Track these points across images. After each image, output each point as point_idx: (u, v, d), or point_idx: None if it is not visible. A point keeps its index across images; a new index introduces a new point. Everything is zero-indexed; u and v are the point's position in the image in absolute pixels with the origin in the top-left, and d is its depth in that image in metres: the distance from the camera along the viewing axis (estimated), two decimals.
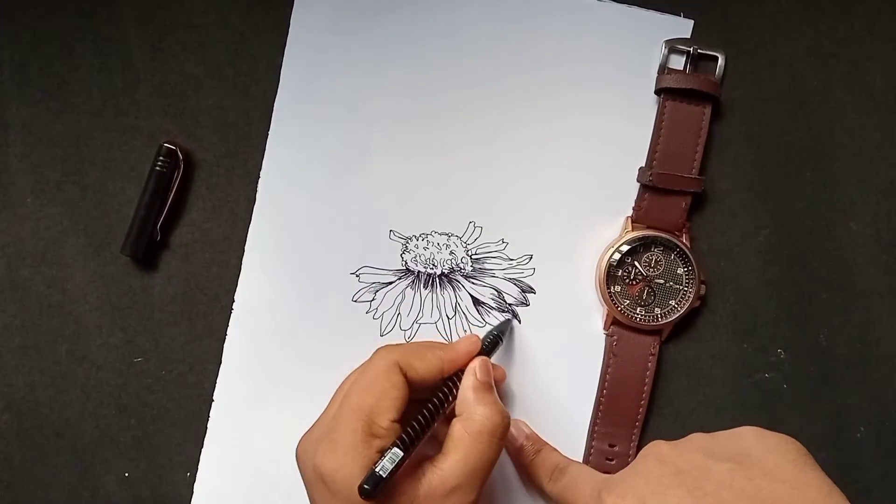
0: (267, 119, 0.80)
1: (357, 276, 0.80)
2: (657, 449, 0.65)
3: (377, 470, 0.62)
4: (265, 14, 0.81)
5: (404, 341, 0.79)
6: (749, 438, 0.63)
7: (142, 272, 0.81)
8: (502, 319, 0.80)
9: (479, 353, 0.73)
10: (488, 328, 0.79)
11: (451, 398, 0.70)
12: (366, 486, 0.61)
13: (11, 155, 0.80)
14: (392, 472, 0.62)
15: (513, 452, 0.79)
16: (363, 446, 0.64)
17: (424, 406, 0.68)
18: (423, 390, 0.70)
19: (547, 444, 0.78)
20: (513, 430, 0.78)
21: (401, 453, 0.63)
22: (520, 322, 0.80)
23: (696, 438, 0.65)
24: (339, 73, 0.80)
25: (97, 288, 0.81)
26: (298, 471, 0.70)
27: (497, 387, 0.74)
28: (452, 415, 0.70)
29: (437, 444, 0.69)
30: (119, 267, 0.81)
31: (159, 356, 0.81)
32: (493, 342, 0.76)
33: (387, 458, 0.62)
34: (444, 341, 0.79)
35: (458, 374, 0.72)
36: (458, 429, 0.67)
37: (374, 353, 0.71)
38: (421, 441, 0.66)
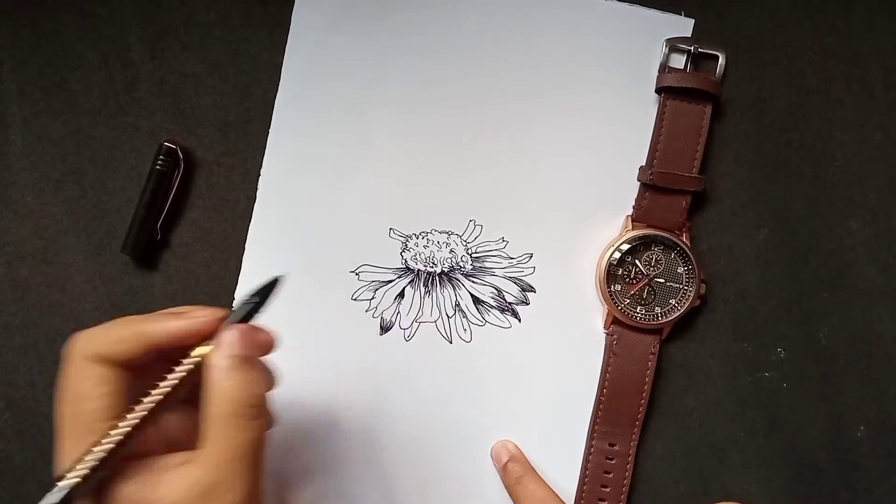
0: (267, 118, 0.80)
1: (357, 274, 0.80)
2: None
3: (57, 490, 0.54)
4: (265, 13, 0.81)
5: (402, 340, 0.74)
6: None
7: (142, 271, 0.81)
8: (268, 279, 0.64)
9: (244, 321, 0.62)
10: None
11: (179, 382, 0.59)
12: None
13: (11, 154, 0.80)
14: (77, 489, 0.54)
15: (499, 471, 0.79)
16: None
17: (135, 403, 0.58)
18: (144, 362, 0.60)
19: (532, 470, 0.78)
20: (501, 447, 0.79)
21: (68, 483, 0.54)
22: (520, 321, 0.80)
23: None
24: (339, 72, 0.80)
25: (97, 287, 0.81)
26: None
27: (269, 352, 0.64)
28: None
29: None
30: (119, 266, 0.81)
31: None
32: (253, 308, 0.62)
33: (55, 489, 0.54)
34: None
35: (189, 353, 0.60)
36: (205, 416, 0.58)
37: (64, 351, 0.60)
38: (126, 447, 0.56)
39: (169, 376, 0.59)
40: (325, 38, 0.80)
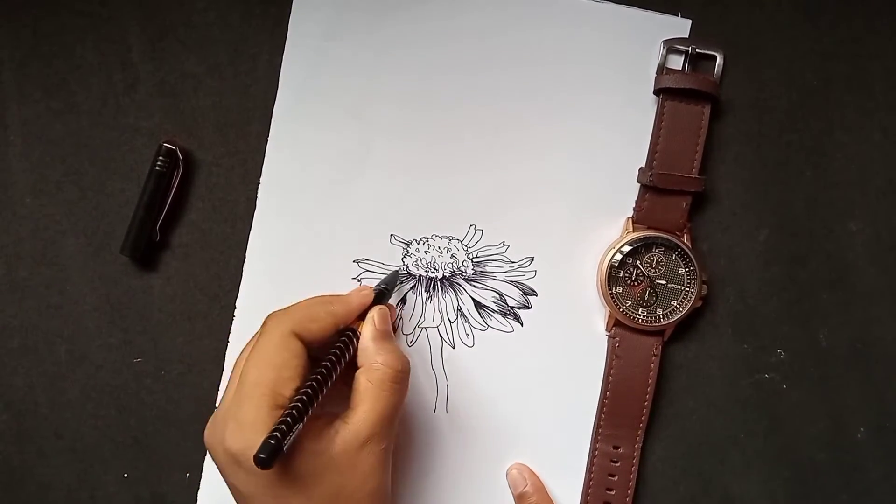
0: (267, 119, 0.80)
1: (359, 281, 0.80)
2: None
3: (269, 438, 0.59)
4: (265, 13, 0.80)
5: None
6: None
7: (141, 272, 0.81)
8: (390, 272, 0.80)
9: (373, 303, 0.74)
10: (381, 282, 0.79)
11: (348, 353, 0.69)
12: (261, 455, 0.58)
13: (11, 155, 0.80)
14: (287, 436, 0.60)
15: (515, 497, 0.80)
16: (270, 421, 0.62)
17: (320, 365, 0.67)
18: (322, 346, 0.70)
19: (550, 499, 0.79)
20: (517, 474, 0.80)
21: (295, 417, 0.62)
22: (522, 325, 0.80)
23: None
24: (338, 76, 0.80)
25: (96, 288, 0.80)
26: (210, 457, 0.68)
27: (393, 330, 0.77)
28: (355, 364, 0.70)
29: (346, 396, 0.69)
30: (118, 267, 0.81)
31: (158, 356, 0.81)
32: (382, 293, 0.76)
33: (281, 424, 0.60)
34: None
35: (350, 327, 0.72)
36: (362, 380, 0.68)
37: (265, 322, 0.70)
38: (318, 400, 0.64)
39: (336, 349, 0.69)
40: (324, 40, 0.80)
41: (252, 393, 0.64)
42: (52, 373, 0.81)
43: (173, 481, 0.81)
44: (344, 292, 0.75)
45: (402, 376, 0.69)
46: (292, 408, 0.62)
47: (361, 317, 0.73)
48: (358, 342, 0.71)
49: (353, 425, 0.66)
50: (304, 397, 0.63)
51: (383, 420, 0.67)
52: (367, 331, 0.71)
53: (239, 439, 0.63)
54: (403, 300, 0.80)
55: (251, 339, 0.71)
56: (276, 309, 0.71)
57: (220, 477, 0.67)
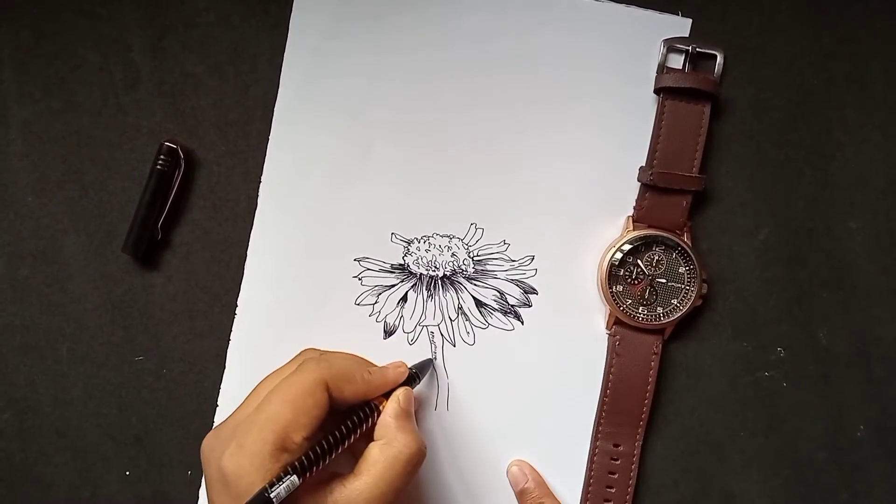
0: (267, 118, 0.80)
1: (359, 279, 0.80)
2: None
3: (264, 491, 0.61)
4: (265, 13, 0.80)
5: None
6: None
7: (143, 271, 0.81)
8: (425, 359, 0.80)
9: (404, 383, 0.74)
10: (413, 361, 0.79)
11: (364, 425, 0.69)
12: None
13: (12, 154, 0.80)
14: (280, 489, 0.61)
15: (516, 494, 0.80)
16: (270, 459, 0.62)
17: (336, 428, 0.67)
18: (341, 406, 0.70)
19: (551, 494, 0.79)
20: (518, 471, 0.80)
21: (297, 481, 0.62)
22: (523, 323, 0.80)
23: None
24: (338, 76, 0.80)
25: (98, 287, 0.81)
26: (202, 468, 0.68)
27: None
28: (369, 437, 0.70)
29: (354, 462, 0.69)
30: (120, 266, 0.81)
31: (160, 355, 0.81)
32: (413, 377, 0.76)
33: (283, 485, 0.61)
34: (375, 363, 0.77)
35: (372, 401, 0.72)
36: (374, 452, 0.68)
37: (304, 362, 0.70)
38: (325, 463, 0.65)
39: (352, 420, 0.69)
40: (324, 40, 0.80)
41: (264, 425, 0.64)
42: (53, 371, 0.81)
43: (175, 479, 0.81)
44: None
45: (416, 460, 0.68)
46: (300, 468, 0.63)
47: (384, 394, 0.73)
48: (376, 417, 0.70)
49: (350, 490, 0.65)
50: (314, 455, 0.64)
51: (382, 497, 0.66)
52: (390, 407, 0.71)
53: (235, 464, 0.63)
54: (404, 298, 0.80)
55: (283, 367, 0.72)
56: (312, 347, 0.75)
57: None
